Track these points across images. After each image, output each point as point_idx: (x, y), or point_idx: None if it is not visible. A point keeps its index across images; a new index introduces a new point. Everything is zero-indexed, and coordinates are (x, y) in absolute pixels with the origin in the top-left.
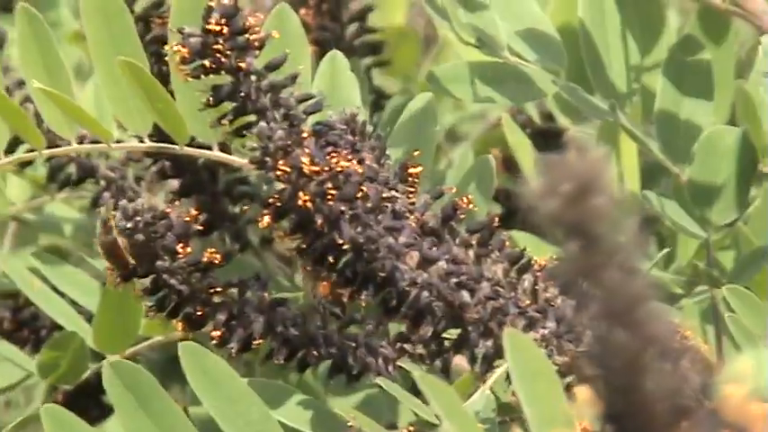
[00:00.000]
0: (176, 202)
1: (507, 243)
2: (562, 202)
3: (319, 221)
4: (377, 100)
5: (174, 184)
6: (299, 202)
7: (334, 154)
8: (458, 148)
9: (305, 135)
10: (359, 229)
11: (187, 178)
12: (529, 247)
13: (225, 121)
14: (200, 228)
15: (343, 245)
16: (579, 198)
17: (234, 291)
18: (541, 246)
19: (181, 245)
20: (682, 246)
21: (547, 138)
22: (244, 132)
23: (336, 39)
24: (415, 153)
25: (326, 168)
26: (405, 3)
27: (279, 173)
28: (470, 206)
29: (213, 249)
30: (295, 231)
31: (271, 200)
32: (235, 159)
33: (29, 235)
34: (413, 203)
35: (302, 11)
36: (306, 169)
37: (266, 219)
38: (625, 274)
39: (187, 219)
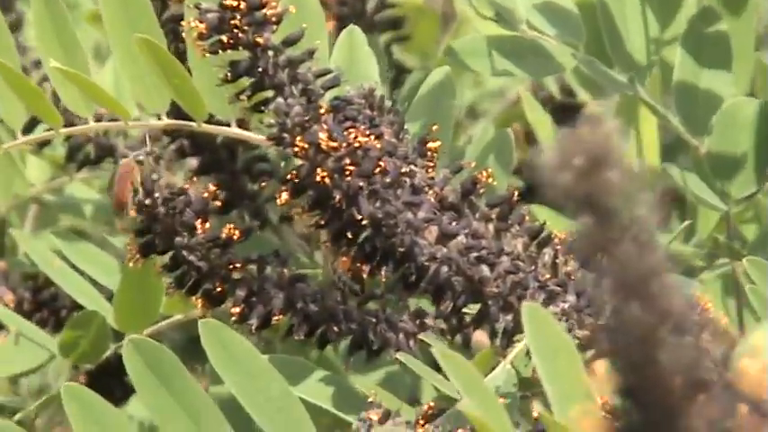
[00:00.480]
0: (195, 180)
1: (527, 217)
2: (575, 176)
3: (338, 197)
4: (397, 75)
5: (193, 162)
6: (317, 179)
7: (351, 129)
8: (478, 124)
9: (322, 111)
10: (377, 205)
11: (206, 157)
12: (549, 221)
13: (243, 97)
14: (219, 205)
15: (361, 220)
16: (592, 171)
17: (253, 267)
18: (561, 220)
19: (200, 221)
20: (702, 218)
21: (567, 113)
22: (262, 108)
23: (357, 14)
24: (434, 127)
25: (344, 144)
26: None
27: (296, 149)
28: (490, 180)
29: (232, 225)
30: (313, 208)
31: (288, 176)
32: (253, 136)
33: (49, 217)
34: (432, 178)
35: None
36: (323, 145)
37: (284, 195)
38: (639, 248)
39: (206, 195)
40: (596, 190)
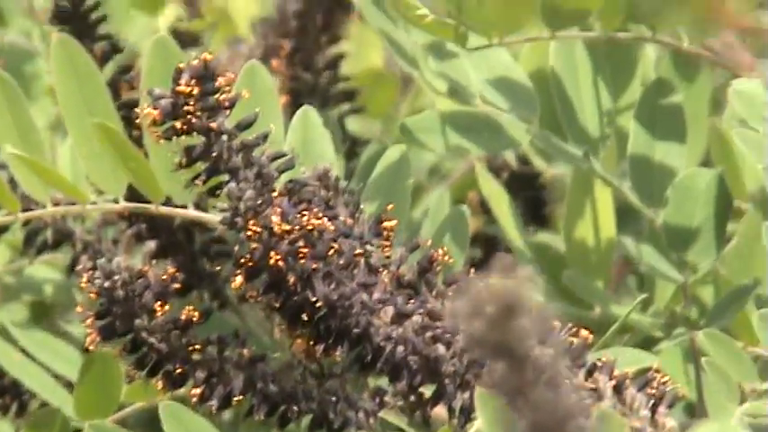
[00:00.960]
0: (153, 263)
1: None
2: (486, 324)
3: (292, 280)
4: (351, 147)
5: (151, 245)
6: (271, 262)
7: (305, 212)
8: (434, 191)
9: (275, 194)
10: (332, 287)
11: (163, 239)
12: None
13: (198, 182)
14: (179, 287)
15: (316, 303)
16: (503, 319)
17: (213, 348)
18: None
19: (159, 303)
20: (660, 288)
21: (524, 181)
22: (217, 192)
23: (309, 88)
24: (389, 207)
25: (298, 227)
26: (381, 43)
27: (249, 233)
28: (446, 258)
29: (192, 307)
30: (268, 291)
31: (242, 260)
32: (211, 218)
33: (10, 296)
34: (388, 257)
35: (274, 61)
36: (276, 228)
37: (239, 279)
38: (554, 391)
39: (164, 277)
40: (508, 337)
